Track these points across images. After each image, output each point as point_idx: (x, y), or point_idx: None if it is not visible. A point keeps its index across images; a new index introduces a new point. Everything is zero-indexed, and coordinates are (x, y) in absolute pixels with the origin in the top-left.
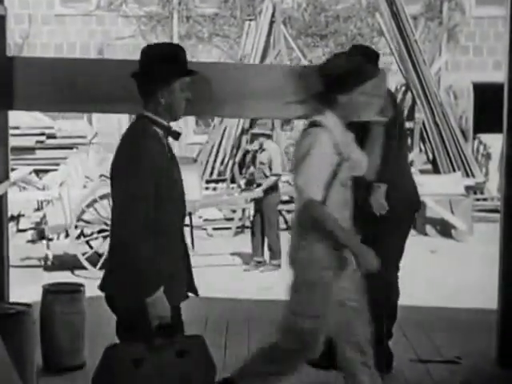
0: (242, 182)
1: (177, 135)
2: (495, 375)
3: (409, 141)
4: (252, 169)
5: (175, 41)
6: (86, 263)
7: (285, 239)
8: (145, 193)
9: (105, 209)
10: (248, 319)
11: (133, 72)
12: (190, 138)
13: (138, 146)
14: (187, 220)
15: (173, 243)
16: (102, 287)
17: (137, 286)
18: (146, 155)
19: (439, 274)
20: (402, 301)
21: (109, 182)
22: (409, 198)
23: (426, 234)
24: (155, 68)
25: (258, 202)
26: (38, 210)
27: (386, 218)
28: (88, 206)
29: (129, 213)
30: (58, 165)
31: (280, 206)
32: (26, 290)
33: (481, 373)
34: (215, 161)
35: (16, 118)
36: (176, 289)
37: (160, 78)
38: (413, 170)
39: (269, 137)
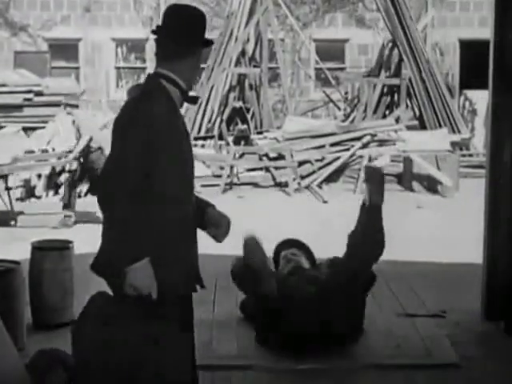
0: (230, 139)
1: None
2: (480, 328)
3: (395, 97)
4: (241, 125)
5: None
6: None
7: (273, 197)
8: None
9: None
10: None
11: None
12: None
13: None
14: None
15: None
16: None
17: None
18: None
19: (426, 230)
20: (389, 256)
21: None
22: None
23: (412, 190)
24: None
25: None
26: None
27: None
28: None
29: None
30: (45, 122)
31: (268, 163)
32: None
33: (466, 326)
34: (203, 118)
35: (3, 75)
36: (184, 275)
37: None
38: (399, 126)
39: None
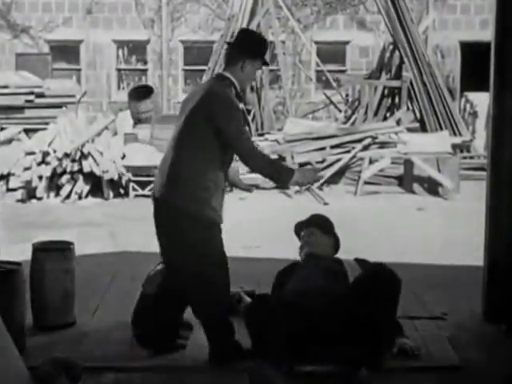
0: None
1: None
2: (481, 331)
3: (396, 99)
4: None
5: (164, 0)
6: None
7: (274, 198)
8: None
9: None
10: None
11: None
12: (178, 96)
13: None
14: None
15: None
16: None
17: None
18: None
19: (426, 232)
20: (390, 258)
21: None
22: None
23: (413, 192)
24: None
25: None
26: (27, 169)
27: None
28: None
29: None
30: (47, 124)
31: None
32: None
33: (467, 328)
34: None
35: (4, 77)
36: None
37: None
38: (400, 128)
39: None
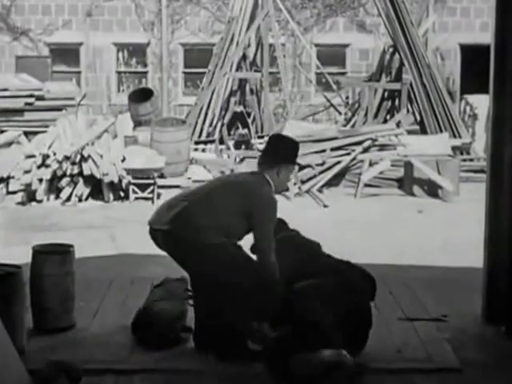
0: (231, 144)
1: None
2: (481, 332)
3: (396, 102)
4: (241, 130)
5: (163, 3)
6: None
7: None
8: None
9: None
10: None
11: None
12: (178, 99)
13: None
14: None
15: None
16: None
17: None
18: None
19: (426, 234)
20: (390, 260)
21: None
22: None
23: (413, 194)
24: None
25: None
26: (27, 172)
27: None
28: None
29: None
30: (47, 127)
31: None
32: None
33: (467, 330)
34: (204, 122)
35: (4, 80)
36: None
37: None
38: (400, 130)
39: None
